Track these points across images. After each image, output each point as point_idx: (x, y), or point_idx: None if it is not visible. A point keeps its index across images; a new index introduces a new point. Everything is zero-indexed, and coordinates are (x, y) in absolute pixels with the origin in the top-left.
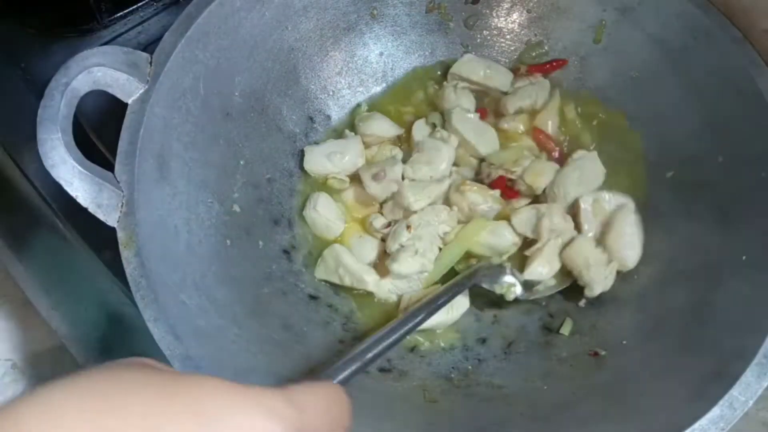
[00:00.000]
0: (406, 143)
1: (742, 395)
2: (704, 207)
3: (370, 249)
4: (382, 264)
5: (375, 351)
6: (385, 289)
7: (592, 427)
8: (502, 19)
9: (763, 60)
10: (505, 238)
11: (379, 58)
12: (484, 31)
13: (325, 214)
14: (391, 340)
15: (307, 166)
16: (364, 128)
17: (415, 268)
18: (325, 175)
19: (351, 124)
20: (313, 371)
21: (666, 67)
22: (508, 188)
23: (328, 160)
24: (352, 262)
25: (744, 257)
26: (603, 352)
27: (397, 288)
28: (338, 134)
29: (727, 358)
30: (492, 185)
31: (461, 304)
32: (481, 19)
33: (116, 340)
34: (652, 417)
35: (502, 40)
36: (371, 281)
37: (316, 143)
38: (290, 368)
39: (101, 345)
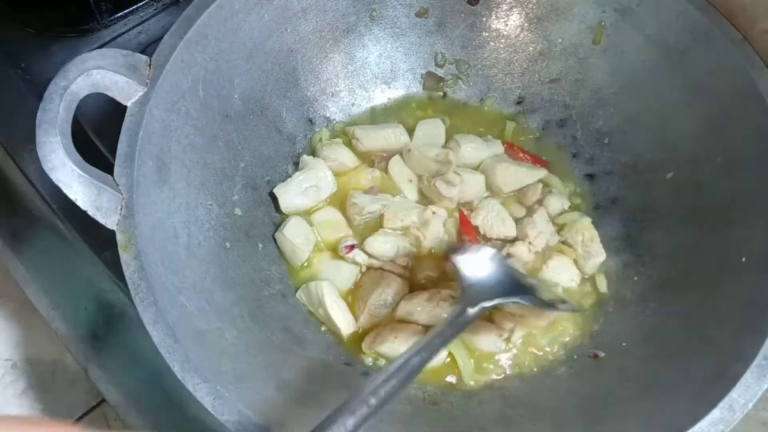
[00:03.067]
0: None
1: (741, 397)
2: (704, 208)
3: (347, 274)
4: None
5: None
6: (363, 322)
7: (591, 427)
8: (502, 20)
9: (763, 61)
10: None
11: (378, 59)
12: (484, 33)
13: (292, 238)
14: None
15: (284, 209)
16: (328, 153)
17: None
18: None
19: (311, 149)
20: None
21: (665, 68)
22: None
23: (305, 196)
24: (331, 307)
25: (744, 258)
26: (603, 354)
27: (374, 316)
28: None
29: (726, 360)
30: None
31: None
32: (480, 20)
33: (116, 340)
34: (652, 419)
35: (502, 41)
36: (344, 329)
37: (298, 168)
38: (289, 371)
39: (101, 345)
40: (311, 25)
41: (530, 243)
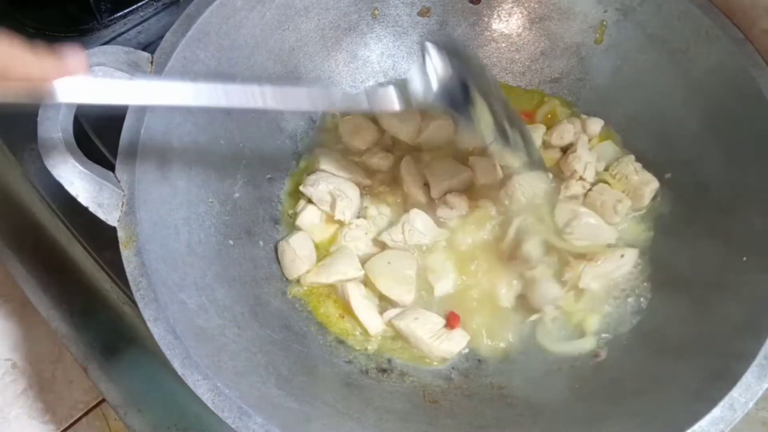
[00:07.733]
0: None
1: (742, 396)
2: (704, 208)
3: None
4: None
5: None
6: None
7: (592, 427)
8: (504, 20)
9: (764, 60)
10: None
11: (380, 58)
12: (486, 32)
13: (296, 249)
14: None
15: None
16: (349, 138)
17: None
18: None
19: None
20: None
21: (667, 67)
22: None
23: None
24: (362, 311)
25: (744, 258)
26: (603, 354)
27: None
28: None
29: (727, 359)
30: None
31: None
32: (482, 19)
33: (116, 340)
34: (652, 418)
35: (504, 41)
36: (373, 329)
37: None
38: (289, 368)
39: (101, 345)
40: (313, 23)
41: (581, 178)
